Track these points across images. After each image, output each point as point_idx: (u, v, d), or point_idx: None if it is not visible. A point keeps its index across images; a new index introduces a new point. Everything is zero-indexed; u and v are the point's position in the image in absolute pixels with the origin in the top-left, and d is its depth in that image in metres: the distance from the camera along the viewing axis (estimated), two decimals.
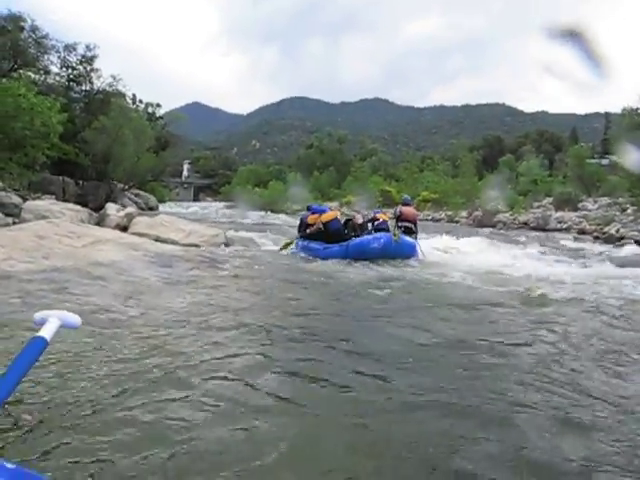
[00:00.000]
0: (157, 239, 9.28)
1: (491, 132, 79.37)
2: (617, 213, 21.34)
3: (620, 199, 24.94)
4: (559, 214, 23.36)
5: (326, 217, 9.51)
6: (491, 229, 20.34)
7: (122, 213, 11.76)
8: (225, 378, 2.87)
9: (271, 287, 5.95)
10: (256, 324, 4.06)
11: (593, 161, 39.12)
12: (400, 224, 9.95)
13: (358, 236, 9.34)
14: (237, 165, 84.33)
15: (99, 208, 13.49)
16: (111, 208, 12.24)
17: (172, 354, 3.24)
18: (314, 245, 9.33)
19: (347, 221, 10.05)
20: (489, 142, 66.25)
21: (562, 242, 13.91)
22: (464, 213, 28.51)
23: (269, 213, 34.18)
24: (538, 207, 28.08)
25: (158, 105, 36.11)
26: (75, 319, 1.28)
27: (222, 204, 52.22)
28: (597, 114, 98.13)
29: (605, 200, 27.27)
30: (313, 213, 9.91)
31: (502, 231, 19.54)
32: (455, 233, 13.57)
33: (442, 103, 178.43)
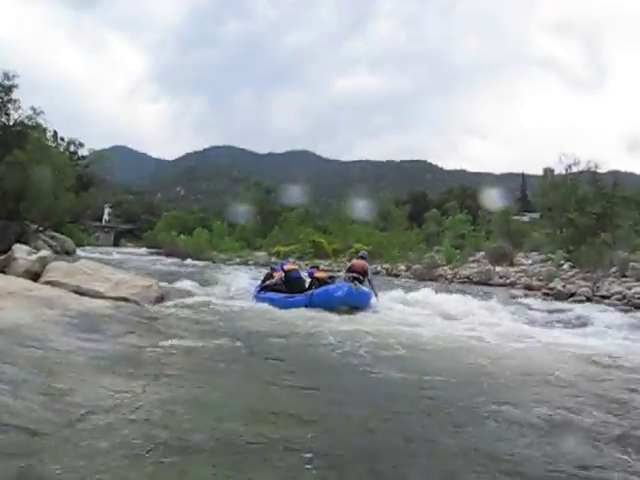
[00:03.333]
0: (77, 290, 7.56)
1: (414, 187, 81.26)
2: (554, 268, 21.45)
3: (549, 254, 25.49)
4: (499, 269, 23.32)
5: (287, 267, 10.22)
6: (435, 283, 19.67)
7: (34, 257, 9.79)
8: None
9: (230, 359, 4.54)
10: (216, 432, 2.73)
11: (515, 218, 40.90)
12: (349, 274, 10.12)
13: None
14: (161, 211, 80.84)
15: (7, 251, 11.37)
16: (20, 250, 10.21)
17: None
18: (274, 295, 9.41)
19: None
20: (414, 197, 67.54)
21: (524, 301, 13.29)
22: (402, 266, 27.95)
23: (194, 261, 32.85)
24: (473, 261, 28.08)
25: (81, 144, 33.87)
26: None
27: (144, 250, 49.64)
28: (511, 174, 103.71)
29: (537, 255, 27.82)
30: (276, 271, 10.55)
31: (449, 285, 18.92)
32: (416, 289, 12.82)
33: (367, 158, 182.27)
